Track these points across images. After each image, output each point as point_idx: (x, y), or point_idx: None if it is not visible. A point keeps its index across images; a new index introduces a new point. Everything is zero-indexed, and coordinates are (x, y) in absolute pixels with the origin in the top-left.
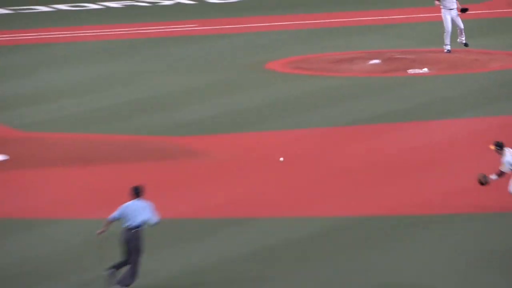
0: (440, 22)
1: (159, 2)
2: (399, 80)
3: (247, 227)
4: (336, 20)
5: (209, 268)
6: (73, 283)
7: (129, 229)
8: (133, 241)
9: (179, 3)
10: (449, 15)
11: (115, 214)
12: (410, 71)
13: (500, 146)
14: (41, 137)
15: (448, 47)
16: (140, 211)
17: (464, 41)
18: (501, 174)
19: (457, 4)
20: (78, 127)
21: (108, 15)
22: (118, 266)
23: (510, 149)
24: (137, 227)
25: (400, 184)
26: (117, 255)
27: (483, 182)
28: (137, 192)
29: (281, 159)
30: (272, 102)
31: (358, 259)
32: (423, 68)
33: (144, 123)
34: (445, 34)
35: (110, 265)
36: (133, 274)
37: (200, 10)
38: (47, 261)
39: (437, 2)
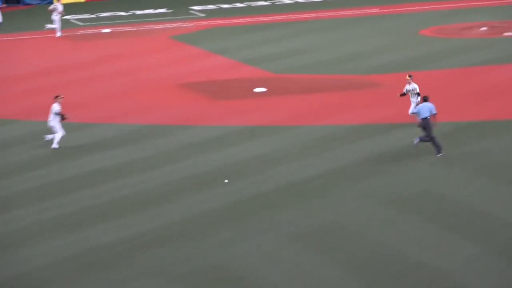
0: None
1: None
2: (497, 39)
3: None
4: (460, 4)
5: None
6: None
7: (422, 119)
8: (425, 125)
9: None
10: None
11: (414, 110)
12: (505, 34)
13: (410, 76)
14: (287, 77)
15: None
16: (427, 108)
17: None
18: (403, 94)
19: None
20: (309, 71)
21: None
22: (422, 139)
23: None
24: (426, 118)
25: None
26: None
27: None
28: (425, 99)
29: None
30: (425, 53)
31: None
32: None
33: (352, 68)
34: None
35: (418, 138)
36: (438, 144)
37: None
38: None
39: None
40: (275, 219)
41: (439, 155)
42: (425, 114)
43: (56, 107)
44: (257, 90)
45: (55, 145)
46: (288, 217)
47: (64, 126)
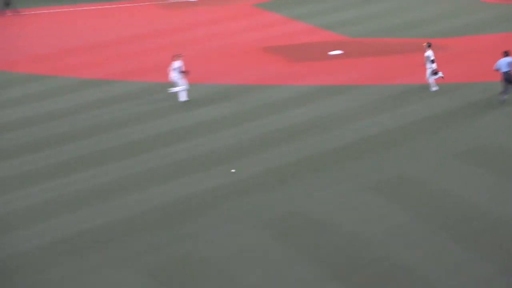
0: None
1: None
2: None
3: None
4: None
5: None
6: None
7: (503, 72)
8: (507, 78)
9: None
10: None
11: (495, 67)
12: None
13: (429, 45)
14: (361, 40)
15: None
16: (506, 63)
17: None
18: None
19: None
20: (381, 35)
21: None
22: (502, 93)
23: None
24: (508, 71)
25: None
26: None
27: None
28: (506, 53)
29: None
30: (486, 18)
31: None
32: None
33: (418, 32)
34: None
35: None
36: (508, 93)
37: None
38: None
39: None
40: (352, 170)
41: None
42: (505, 68)
43: (178, 63)
44: (332, 53)
45: (183, 98)
46: (364, 168)
47: (157, 87)
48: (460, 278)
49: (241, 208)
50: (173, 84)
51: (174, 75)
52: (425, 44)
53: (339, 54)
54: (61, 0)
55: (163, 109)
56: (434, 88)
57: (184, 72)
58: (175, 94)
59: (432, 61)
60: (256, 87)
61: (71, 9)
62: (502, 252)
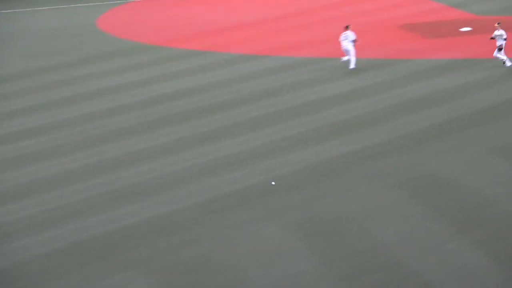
0: None
1: None
2: None
3: None
4: None
5: None
6: None
7: None
8: None
9: None
10: None
11: None
12: None
13: (498, 24)
14: (489, 18)
15: None
16: None
17: None
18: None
19: None
20: (509, 13)
21: None
22: None
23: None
24: None
25: None
26: None
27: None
28: None
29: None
30: None
31: None
32: None
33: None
34: None
35: None
36: None
37: None
38: None
39: None
40: (478, 135)
41: None
42: None
43: (350, 33)
44: (463, 29)
45: (352, 65)
46: (488, 134)
47: (311, 60)
48: None
49: (380, 170)
50: (345, 52)
51: (345, 44)
52: (496, 24)
53: (469, 30)
54: None
55: (321, 77)
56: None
57: (354, 41)
58: (345, 62)
59: (505, 39)
60: (393, 61)
61: None
62: None
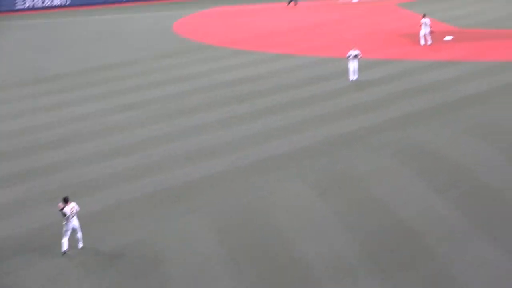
0: None
1: None
2: None
3: None
4: None
5: None
6: None
7: None
8: None
9: None
10: None
11: None
12: None
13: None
14: (467, 30)
15: None
16: None
17: None
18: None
19: None
20: (482, 26)
21: None
22: None
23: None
24: None
25: None
26: None
27: None
28: None
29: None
30: None
31: None
32: None
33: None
34: None
35: None
36: None
37: None
38: None
39: None
40: (457, 117)
41: None
42: None
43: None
44: (446, 38)
45: (355, 77)
46: (465, 116)
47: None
48: None
49: (380, 142)
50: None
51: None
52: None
53: (450, 39)
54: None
55: (338, 72)
56: None
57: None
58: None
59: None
60: (391, 62)
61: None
62: None
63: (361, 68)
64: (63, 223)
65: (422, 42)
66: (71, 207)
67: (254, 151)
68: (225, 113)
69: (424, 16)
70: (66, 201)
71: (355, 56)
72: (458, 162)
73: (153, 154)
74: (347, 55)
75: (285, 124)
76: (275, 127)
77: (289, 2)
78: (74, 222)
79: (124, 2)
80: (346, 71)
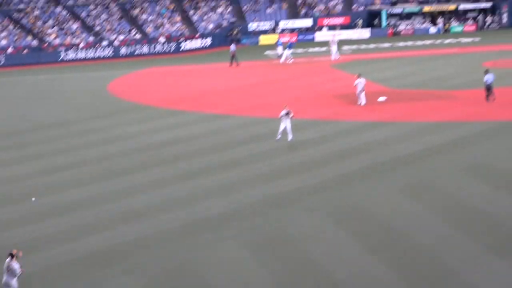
0: None
1: None
2: None
3: None
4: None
5: None
6: None
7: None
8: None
9: None
10: None
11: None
12: None
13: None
14: (400, 91)
15: None
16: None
17: None
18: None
19: None
20: (414, 87)
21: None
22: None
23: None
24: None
25: None
26: None
27: None
28: (486, 71)
29: (33, 199)
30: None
31: None
32: None
33: (439, 85)
34: None
35: None
36: None
37: None
38: None
39: None
40: (393, 177)
41: None
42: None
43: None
44: (380, 99)
45: (290, 137)
46: (400, 176)
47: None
48: None
49: (315, 202)
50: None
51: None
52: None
53: (384, 100)
54: (184, 60)
55: (275, 132)
56: None
57: (289, 115)
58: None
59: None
60: (328, 122)
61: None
62: None
63: (296, 128)
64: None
65: (359, 102)
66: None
67: (188, 212)
68: (159, 173)
69: (359, 76)
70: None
71: (287, 115)
72: (392, 222)
73: (85, 216)
74: (279, 115)
75: (219, 184)
76: (210, 187)
77: (231, 63)
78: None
79: (59, 62)
80: (283, 131)
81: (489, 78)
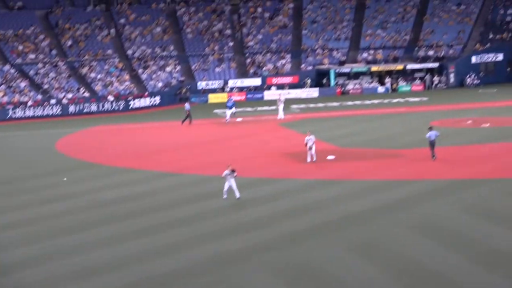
0: None
1: None
2: (477, 129)
3: None
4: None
5: None
6: None
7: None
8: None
9: None
10: None
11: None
12: (483, 125)
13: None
14: (348, 150)
15: None
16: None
17: None
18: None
19: None
20: (362, 146)
21: (372, 105)
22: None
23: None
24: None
25: None
26: None
27: None
28: (430, 128)
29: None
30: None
31: None
32: None
33: (387, 144)
34: None
35: None
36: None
37: None
38: None
39: None
40: (342, 236)
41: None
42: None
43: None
44: (329, 157)
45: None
46: (349, 235)
47: (212, 178)
48: None
49: (264, 261)
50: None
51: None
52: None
53: (333, 158)
54: (133, 119)
55: (221, 191)
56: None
57: (234, 173)
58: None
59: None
60: (276, 180)
61: (141, 125)
62: None
63: (245, 186)
64: None
65: (309, 159)
66: None
67: (134, 271)
68: (104, 232)
69: (309, 133)
70: None
71: (231, 174)
72: (341, 282)
73: (29, 275)
74: (223, 174)
75: (167, 243)
76: (156, 246)
77: (184, 121)
78: None
79: (7, 120)
80: (228, 190)
81: (431, 134)
